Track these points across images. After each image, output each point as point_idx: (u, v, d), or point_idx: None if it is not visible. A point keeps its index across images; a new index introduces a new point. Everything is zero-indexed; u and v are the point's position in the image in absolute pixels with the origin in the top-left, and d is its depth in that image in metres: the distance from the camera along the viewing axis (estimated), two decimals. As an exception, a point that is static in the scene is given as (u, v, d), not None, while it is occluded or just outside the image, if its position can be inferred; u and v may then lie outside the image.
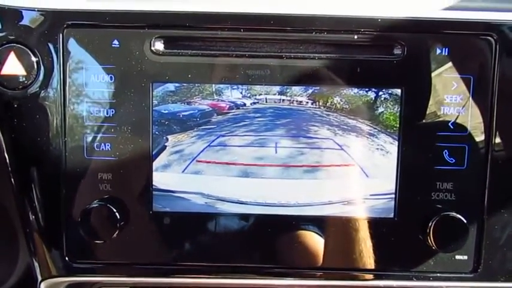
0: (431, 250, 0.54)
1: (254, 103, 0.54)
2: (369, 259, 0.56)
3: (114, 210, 0.54)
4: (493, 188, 0.54)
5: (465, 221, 0.52)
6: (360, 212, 0.55)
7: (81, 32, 0.54)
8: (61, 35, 0.53)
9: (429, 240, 0.53)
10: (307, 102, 0.54)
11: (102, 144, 0.55)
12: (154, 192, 0.55)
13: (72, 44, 0.54)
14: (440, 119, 0.54)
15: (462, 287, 0.56)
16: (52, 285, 0.59)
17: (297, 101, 0.54)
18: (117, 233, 0.54)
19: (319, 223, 0.56)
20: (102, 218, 0.53)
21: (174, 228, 0.56)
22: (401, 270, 0.56)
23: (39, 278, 0.59)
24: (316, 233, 0.56)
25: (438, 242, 0.53)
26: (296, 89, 0.54)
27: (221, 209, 0.56)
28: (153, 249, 0.57)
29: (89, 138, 0.55)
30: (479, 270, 0.55)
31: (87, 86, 0.54)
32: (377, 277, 0.56)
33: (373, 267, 0.56)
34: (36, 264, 0.58)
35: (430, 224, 0.53)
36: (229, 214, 0.56)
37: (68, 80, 0.54)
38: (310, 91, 0.54)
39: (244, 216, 0.56)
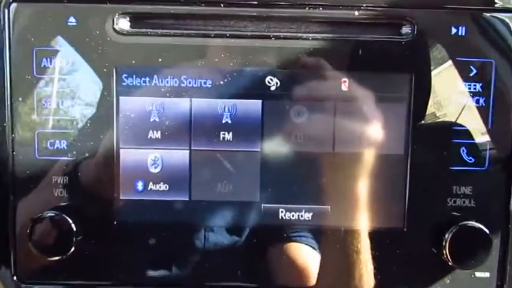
0: (447, 266, 0.46)
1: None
2: (371, 278, 0.48)
3: (70, 222, 0.45)
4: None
5: (487, 232, 0.44)
6: (362, 221, 0.47)
7: (30, 8, 0.45)
8: (6, 11, 0.45)
9: (445, 255, 0.44)
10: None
11: (57, 141, 0.46)
12: (119, 199, 0.47)
13: (20, 22, 0.45)
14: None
15: (483, 310, 0.48)
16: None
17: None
18: (73, 248, 0.45)
19: (314, 234, 0.48)
20: (56, 231, 0.45)
21: (141, 242, 0.48)
22: (411, 289, 0.48)
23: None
24: (309, 246, 0.48)
25: (456, 256, 0.44)
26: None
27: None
28: (118, 267, 0.48)
29: (41, 135, 0.46)
30: (503, 289, 0.47)
31: (37, 72, 0.46)
32: None
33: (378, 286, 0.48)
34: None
35: (445, 236, 0.45)
36: (209, 225, 0.47)
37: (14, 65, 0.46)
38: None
39: (231, 229, 0.48)
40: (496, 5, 0.45)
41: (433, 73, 0.45)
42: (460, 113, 0.46)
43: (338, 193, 0.47)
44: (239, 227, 0.48)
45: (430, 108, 0.46)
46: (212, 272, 0.48)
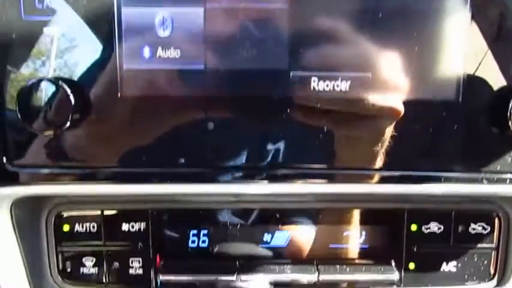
0: (509, 142, 0.39)
1: None
2: (421, 157, 0.41)
3: (68, 92, 0.38)
4: None
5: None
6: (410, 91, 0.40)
7: None
8: None
9: (509, 125, 0.38)
10: None
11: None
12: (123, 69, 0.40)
13: None
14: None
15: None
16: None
17: None
18: (69, 123, 0.39)
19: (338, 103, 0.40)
20: (51, 100, 0.38)
21: (147, 119, 0.41)
22: (467, 171, 0.41)
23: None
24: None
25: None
26: None
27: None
28: (120, 148, 0.42)
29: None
30: None
31: None
32: (435, 179, 0.41)
33: (429, 167, 0.41)
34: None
35: (510, 104, 0.38)
36: (223, 96, 0.40)
37: None
38: None
39: (253, 102, 0.41)
40: None
41: None
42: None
43: (382, 58, 0.39)
44: (263, 99, 0.41)
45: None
46: (225, 153, 0.42)
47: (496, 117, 0.39)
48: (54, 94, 0.38)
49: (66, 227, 0.50)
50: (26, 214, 0.48)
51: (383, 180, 0.42)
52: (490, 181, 0.41)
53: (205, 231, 0.51)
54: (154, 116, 0.41)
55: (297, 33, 0.39)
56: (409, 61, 0.39)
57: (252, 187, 0.43)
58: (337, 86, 0.40)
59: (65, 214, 0.49)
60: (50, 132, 0.39)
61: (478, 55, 0.40)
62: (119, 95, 0.40)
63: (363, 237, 0.51)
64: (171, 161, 0.41)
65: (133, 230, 0.50)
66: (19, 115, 0.38)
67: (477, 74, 0.40)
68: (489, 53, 0.39)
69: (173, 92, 0.40)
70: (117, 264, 0.51)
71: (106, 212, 0.50)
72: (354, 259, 0.51)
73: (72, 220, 0.50)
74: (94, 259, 0.51)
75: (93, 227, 0.50)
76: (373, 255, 0.51)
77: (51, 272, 0.51)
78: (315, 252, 0.51)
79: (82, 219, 0.50)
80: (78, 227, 0.50)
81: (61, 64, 0.40)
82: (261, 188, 0.43)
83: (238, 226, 0.51)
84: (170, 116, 0.41)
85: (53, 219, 0.49)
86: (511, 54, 0.39)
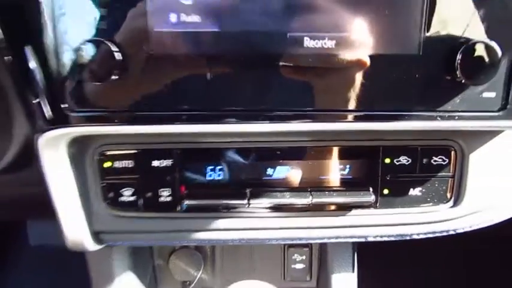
0: (458, 85, 0.51)
1: None
2: (387, 99, 0.52)
3: (113, 49, 0.49)
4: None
5: (497, 48, 0.48)
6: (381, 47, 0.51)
7: None
8: None
9: (457, 73, 0.49)
10: None
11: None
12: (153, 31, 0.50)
13: None
14: None
15: (489, 126, 0.53)
16: (50, 141, 0.55)
17: None
18: (116, 74, 0.49)
19: (325, 57, 0.51)
20: (100, 56, 0.49)
21: (175, 72, 0.51)
22: (425, 110, 0.52)
23: (36, 134, 0.55)
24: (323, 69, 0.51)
25: (467, 72, 0.49)
26: None
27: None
28: (154, 94, 0.52)
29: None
30: (507, 108, 0.52)
31: None
32: (398, 118, 0.52)
33: (393, 108, 0.53)
34: (30, 117, 0.54)
35: (458, 55, 0.49)
36: (235, 53, 0.51)
37: None
38: None
39: (259, 58, 0.51)
40: None
41: None
42: None
43: (356, 21, 0.50)
44: (266, 56, 0.51)
45: None
46: (234, 99, 0.53)
47: (448, 67, 0.50)
48: (102, 52, 0.49)
49: (107, 164, 0.62)
50: (77, 152, 0.60)
51: (358, 118, 0.53)
52: (443, 118, 0.52)
53: (220, 167, 0.63)
54: (178, 69, 0.51)
55: (293, 3, 0.50)
56: (378, 23, 0.50)
57: (254, 126, 0.54)
58: (325, 44, 0.51)
59: (107, 153, 0.61)
60: (97, 83, 0.50)
61: (437, 17, 0.50)
62: (150, 53, 0.51)
63: (347, 169, 0.63)
64: (191, 106, 0.53)
65: (162, 166, 0.62)
66: (75, 69, 0.49)
67: (434, 32, 0.50)
68: (443, 14, 0.50)
69: (194, 50, 0.51)
70: (149, 193, 0.63)
71: (140, 151, 0.61)
72: (339, 187, 0.63)
73: (112, 158, 0.61)
74: (130, 190, 0.63)
75: (130, 163, 0.62)
76: (355, 183, 0.63)
77: (97, 200, 0.63)
78: (308, 182, 0.63)
79: (120, 157, 0.62)
80: (117, 164, 0.62)
81: (105, 26, 0.50)
82: (260, 126, 0.54)
83: (247, 162, 0.63)
84: (192, 70, 0.52)
85: (98, 157, 0.61)
86: (459, 14, 0.50)
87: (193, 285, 0.84)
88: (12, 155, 0.65)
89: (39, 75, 0.50)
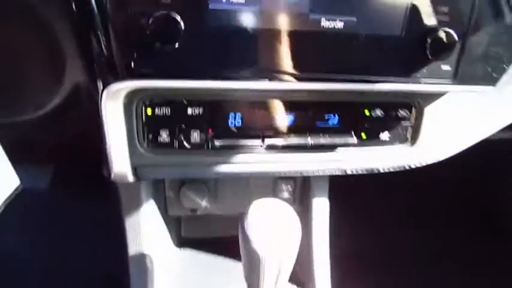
0: (426, 60, 0.70)
1: None
2: (374, 68, 0.70)
3: (178, 19, 0.61)
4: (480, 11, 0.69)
5: (454, 34, 0.68)
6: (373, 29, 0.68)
7: None
8: None
9: (427, 52, 0.68)
10: None
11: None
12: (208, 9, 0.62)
13: None
14: None
15: (445, 90, 0.76)
16: (113, 93, 0.67)
17: None
18: (178, 44, 0.62)
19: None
20: (167, 23, 0.60)
21: (228, 42, 0.64)
22: (400, 77, 0.71)
23: (101, 87, 0.66)
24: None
25: (433, 51, 0.68)
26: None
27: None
28: (212, 64, 0.65)
29: None
30: (457, 76, 0.73)
31: None
32: (380, 82, 0.71)
33: (377, 74, 0.70)
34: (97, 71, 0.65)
35: (428, 39, 0.68)
36: (272, 29, 0.65)
37: None
38: None
39: (274, 30, 0.65)
40: None
41: None
42: None
43: (363, 7, 0.67)
44: (291, 32, 0.66)
45: None
46: (252, 63, 0.67)
47: (420, 47, 0.69)
48: (168, 22, 0.61)
49: (149, 111, 0.75)
50: (128, 101, 0.72)
51: (350, 81, 0.71)
52: (414, 82, 0.72)
53: (240, 114, 0.79)
54: (225, 42, 0.65)
55: None
56: (376, 9, 0.67)
57: (271, 84, 0.69)
58: (337, 24, 0.67)
59: (151, 102, 0.74)
60: (162, 46, 0.61)
61: (416, 10, 0.68)
62: (205, 26, 0.63)
63: (336, 118, 0.82)
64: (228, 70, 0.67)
65: (195, 113, 0.76)
66: (147, 32, 0.60)
67: (412, 20, 0.68)
68: (420, 8, 0.68)
69: (239, 25, 0.64)
70: (183, 135, 0.78)
71: (177, 102, 0.75)
72: (330, 131, 0.83)
73: (153, 106, 0.75)
74: (167, 131, 0.77)
75: (168, 111, 0.76)
76: (342, 129, 0.83)
77: (140, 141, 0.77)
78: (307, 127, 0.82)
79: (160, 105, 0.75)
80: (157, 111, 0.75)
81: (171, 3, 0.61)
82: (278, 84, 0.70)
83: (261, 112, 0.79)
84: (236, 42, 0.65)
85: (143, 106, 0.74)
86: (431, 8, 0.68)
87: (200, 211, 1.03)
88: (59, 99, 0.75)
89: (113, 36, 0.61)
